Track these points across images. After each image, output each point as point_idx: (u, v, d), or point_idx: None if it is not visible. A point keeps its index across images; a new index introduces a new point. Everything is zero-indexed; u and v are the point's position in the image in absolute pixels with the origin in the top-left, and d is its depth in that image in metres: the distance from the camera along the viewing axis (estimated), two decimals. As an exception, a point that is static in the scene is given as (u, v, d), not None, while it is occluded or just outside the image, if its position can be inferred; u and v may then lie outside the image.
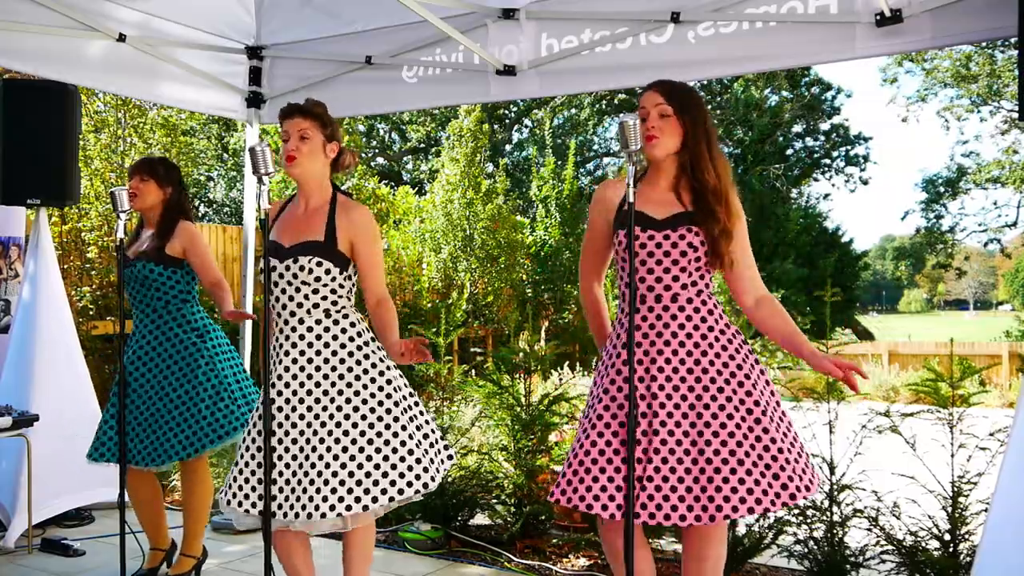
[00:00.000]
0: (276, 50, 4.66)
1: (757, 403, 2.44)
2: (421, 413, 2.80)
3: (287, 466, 2.64)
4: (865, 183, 24.88)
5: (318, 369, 2.66)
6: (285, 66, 4.67)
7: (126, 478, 3.34)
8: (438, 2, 3.82)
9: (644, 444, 2.39)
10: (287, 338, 2.70)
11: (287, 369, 2.67)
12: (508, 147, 23.72)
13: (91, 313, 7.12)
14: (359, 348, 2.71)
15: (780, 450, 2.40)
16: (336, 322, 2.71)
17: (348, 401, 2.64)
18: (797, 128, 23.26)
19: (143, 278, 3.46)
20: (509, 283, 11.63)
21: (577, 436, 2.55)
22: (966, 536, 3.40)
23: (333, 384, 2.65)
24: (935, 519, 3.46)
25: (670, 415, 2.39)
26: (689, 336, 2.45)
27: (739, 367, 2.47)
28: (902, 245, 61.37)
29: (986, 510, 3.07)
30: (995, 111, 22.05)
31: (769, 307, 2.59)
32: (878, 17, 3.15)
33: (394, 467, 2.61)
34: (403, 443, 2.64)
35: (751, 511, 2.34)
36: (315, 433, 2.61)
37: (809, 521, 3.62)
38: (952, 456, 3.47)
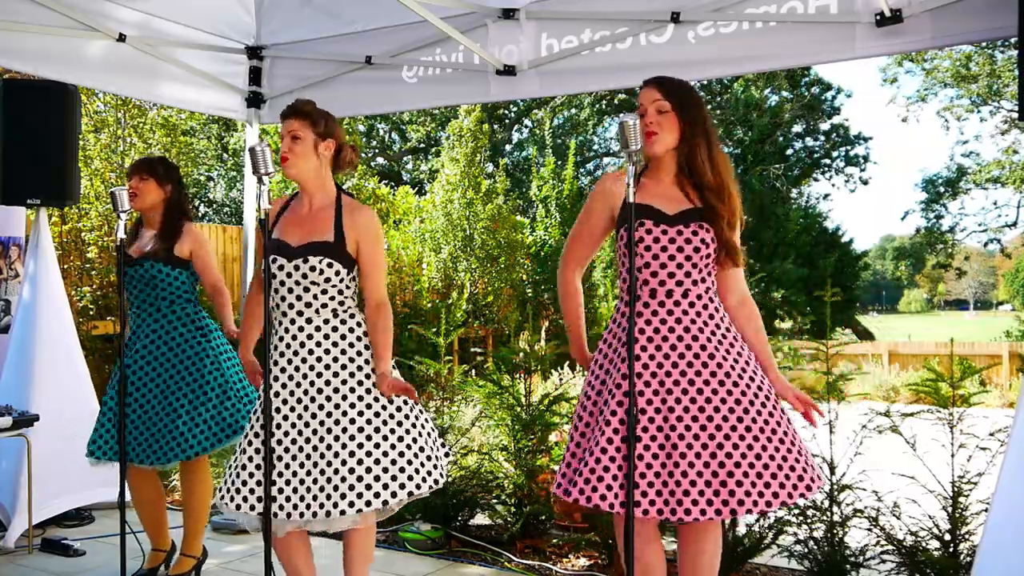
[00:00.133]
0: (276, 50, 4.66)
1: (768, 397, 2.46)
2: (423, 411, 2.82)
3: (290, 466, 2.64)
4: (865, 183, 24.88)
5: (328, 368, 2.67)
6: (285, 66, 4.67)
7: (126, 478, 3.34)
8: (438, 2, 3.82)
9: (660, 440, 2.39)
10: (294, 337, 2.70)
11: (297, 369, 2.68)
12: (508, 147, 23.73)
13: (91, 313, 7.13)
14: (367, 347, 2.73)
15: (793, 443, 2.44)
16: (344, 322, 2.72)
17: (361, 399, 2.65)
18: (797, 128, 23.26)
19: (150, 278, 3.46)
20: (509, 283, 11.63)
21: (583, 430, 2.52)
22: (966, 536, 3.40)
23: (344, 382, 2.66)
24: (935, 519, 3.46)
25: (686, 410, 2.38)
26: (701, 331, 2.44)
27: (748, 363, 2.49)
28: (902, 245, 61.39)
29: (986, 510, 3.07)
30: (995, 111, 22.05)
31: (749, 311, 2.62)
32: (878, 17, 3.15)
33: (409, 463, 2.62)
34: (415, 440, 2.67)
35: (769, 504, 2.35)
36: (329, 431, 2.61)
37: (809, 521, 3.62)
38: (952, 456, 3.47)
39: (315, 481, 2.60)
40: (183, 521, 3.62)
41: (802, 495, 2.39)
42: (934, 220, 25.95)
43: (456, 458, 4.49)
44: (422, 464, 2.65)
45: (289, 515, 2.62)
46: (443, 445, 2.86)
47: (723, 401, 2.38)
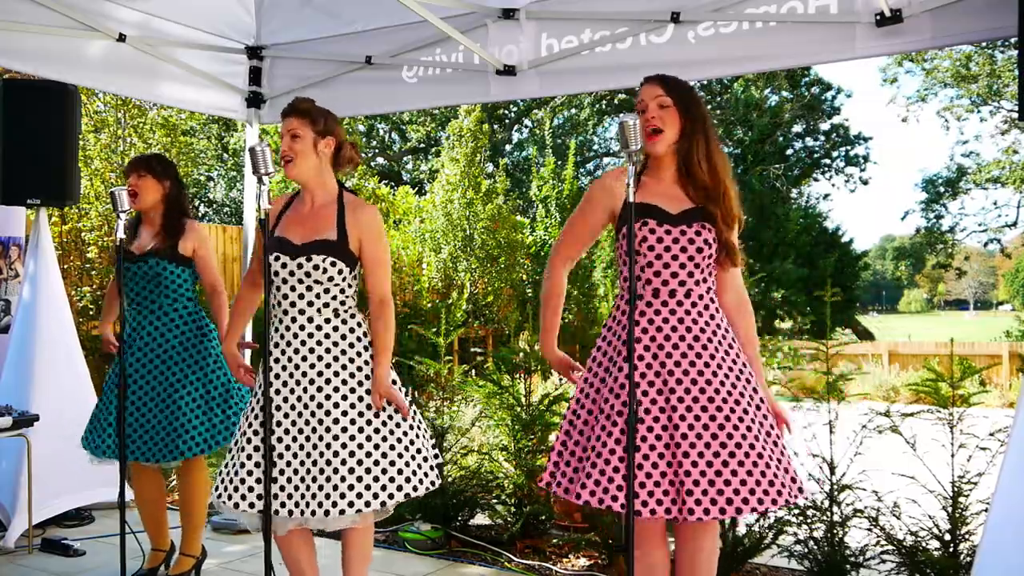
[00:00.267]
0: (276, 50, 4.66)
1: (763, 400, 2.50)
2: (417, 414, 2.82)
3: (291, 464, 2.65)
4: (865, 183, 24.88)
5: (328, 367, 2.66)
6: (285, 66, 4.67)
7: (126, 478, 3.34)
8: (438, 2, 3.82)
9: (665, 439, 2.39)
10: (295, 336, 2.69)
11: (297, 367, 2.67)
12: (508, 147, 23.73)
13: (91, 313, 7.12)
14: (366, 348, 2.73)
15: (784, 445, 2.48)
16: (344, 322, 2.72)
17: (361, 399, 2.65)
18: (797, 128, 23.26)
19: (154, 275, 3.46)
20: (509, 283, 11.63)
21: (580, 427, 2.52)
22: (966, 536, 3.40)
23: (345, 382, 2.66)
24: (935, 519, 3.46)
25: (689, 409, 2.38)
26: (702, 331, 2.45)
27: (745, 365, 2.51)
28: (902, 245, 61.38)
29: (986, 510, 3.07)
30: (995, 111, 22.05)
31: (745, 311, 2.63)
32: (878, 17, 3.15)
33: (407, 464, 2.64)
34: (412, 442, 2.69)
35: (774, 503, 2.36)
36: (328, 430, 2.61)
37: (809, 521, 3.62)
38: (952, 456, 3.46)
39: (314, 480, 2.60)
40: (181, 521, 3.62)
41: (795, 497, 2.43)
42: (934, 220, 25.95)
43: (456, 458, 4.49)
44: (419, 465, 2.67)
45: (291, 512, 2.62)
46: (435, 447, 2.86)
47: (724, 401, 2.39)
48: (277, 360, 2.70)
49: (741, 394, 2.42)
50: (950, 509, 3.42)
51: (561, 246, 2.71)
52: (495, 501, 4.36)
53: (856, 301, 23.64)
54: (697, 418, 2.37)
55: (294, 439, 2.65)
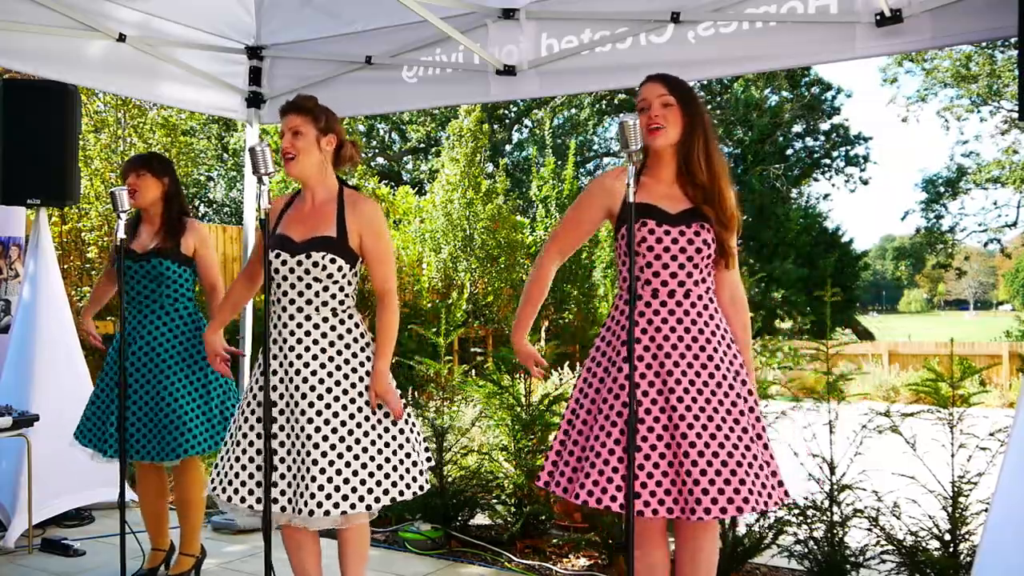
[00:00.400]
0: (276, 50, 4.66)
1: (757, 402, 2.52)
2: (411, 417, 2.80)
3: (283, 461, 2.65)
4: (865, 183, 24.86)
5: (323, 366, 2.66)
6: (285, 66, 4.67)
7: (128, 475, 3.35)
8: (438, 2, 3.82)
9: (667, 439, 2.39)
10: (292, 333, 2.69)
11: (292, 364, 2.67)
12: (508, 147, 23.73)
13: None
14: (362, 350, 2.72)
15: (772, 449, 2.51)
16: (342, 322, 2.71)
17: (353, 401, 2.65)
18: (797, 128, 23.25)
19: (157, 275, 3.46)
20: (509, 283, 11.63)
21: (579, 427, 2.53)
22: (966, 536, 3.40)
23: (338, 383, 2.65)
24: (935, 519, 3.46)
25: (688, 408, 2.38)
26: (701, 332, 2.45)
27: (741, 366, 2.52)
28: (902, 245, 61.32)
29: (986, 510, 3.07)
30: (995, 111, 22.04)
31: (739, 309, 2.63)
32: (878, 17, 3.15)
33: (395, 469, 2.63)
34: (401, 446, 2.68)
35: (766, 504, 2.39)
36: (318, 430, 2.60)
37: (809, 521, 3.62)
38: (952, 456, 3.46)
39: (301, 479, 2.59)
40: (179, 521, 3.62)
41: (782, 499, 2.46)
42: (934, 220, 25.94)
43: (456, 458, 4.49)
44: (407, 470, 2.66)
45: (284, 508, 2.63)
46: (427, 450, 2.84)
47: (720, 403, 2.40)
48: (275, 357, 2.70)
49: (738, 395, 2.44)
50: (950, 509, 3.42)
51: (553, 242, 2.72)
52: (495, 501, 4.36)
53: (856, 301, 23.66)
54: (696, 418, 2.38)
55: (287, 436, 2.66)
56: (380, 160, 23.23)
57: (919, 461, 3.43)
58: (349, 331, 2.72)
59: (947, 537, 3.41)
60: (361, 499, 2.57)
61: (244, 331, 4.91)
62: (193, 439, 3.37)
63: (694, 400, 2.39)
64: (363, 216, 2.73)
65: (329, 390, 2.64)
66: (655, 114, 2.48)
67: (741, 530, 3.71)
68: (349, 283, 2.74)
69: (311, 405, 2.62)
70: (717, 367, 2.43)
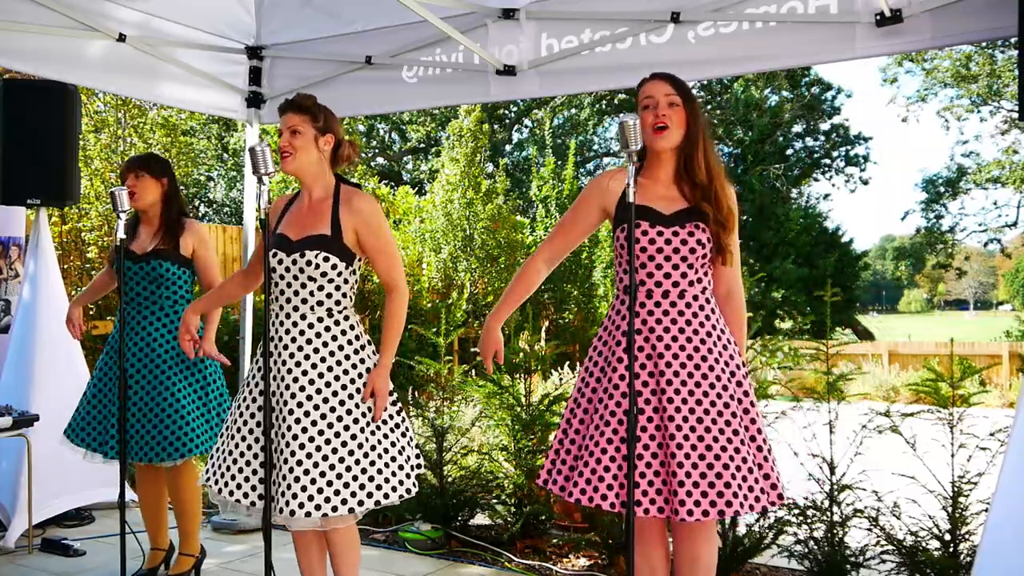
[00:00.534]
0: (276, 50, 4.66)
1: (753, 404, 2.51)
2: (403, 420, 2.78)
3: (258, 457, 2.67)
4: (865, 183, 24.85)
5: (314, 367, 2.65)
6: (285, 66, 4.67)
7: (126, 477, 3.35)
8: (438, 2, 3.82)
9: (659, 439, 2.40)
10: (287, 332, 2.68)
11: (284, 363, 2.66)
12: (508, 147, 23.73)
13: (91, 313, 7.12)
14: (355, 352, 2.70)
15: (769, 451, 2.50)
16: (337, 323, 2.70)
17: (342, 403, 2.63)
18: (797, 128, 23.24)
19: (156, 276, 3.46)
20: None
21: (577, 426, 2.55)
22: (966, 536, 3.40)
23: (328, 384, 2.64)
24: (935, 519, 3.46)
25: (678, 410, 2.39)
26: (696, 332, 2.45)
27: (738, 367, 2.52)
28: (902, 245, 61.29)
29: (986, 510, 3.07)
30: (995, 111, 22.04)
31: (735, 305, 2.63)
32: (878, 17, 3.15)
33: (380, 472, 2.61)
34: (386, 450, 2.66)
35: (752, 508, 2.39)
36: (304, 431, 2.59)
37: (809, 521, 3.62)
38: (952, 456, 3.46)
39: (284, 479, 2.59)
40: (177, 521, 3.62)
41: (772, 503, 2.46)
42: (934, 220, 25.94)
43: (456, 458, 4.49)
44: (393, 473, 2.63)
45: (254, 504, 2.65)
46: (418, 456, 2.82)
47: (712, 404, 2.40)
48: (271, 355, 2.70)
49: (731, 396, 2.44)
50: (950, 509, 3.42)
51: (547, 241, 2.73)
52: (495, 501, 4.36)
53: (856, 301, 23.65)
54: (685, 419, 2.39)
55: (275, 435, 2.66)
56: (380, 160, 23.23)
57: (919, 461, 3.43)
58: (343, 332, 2.70)
59: (947, 537, 3.41)
60: (344, 502, 2.55)
61: (244, 330, 4.91)
62: (193, 440, 3.37)
63: (684, 401, 2.40)
64: (358, 212, 2.70)
65: (319, 391, 2.63)
66: (662, 113, 2.48)
67: (741, 530, 3.71)
68: (346, 281, 2.72)
69: (299, 405, 2.61)
70: (711, 367, 2.43)
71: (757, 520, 3.70)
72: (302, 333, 2.67)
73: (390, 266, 2.75)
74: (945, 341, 13.86)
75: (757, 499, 2.40)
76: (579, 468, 2.44)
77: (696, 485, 2.35)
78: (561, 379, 7.26)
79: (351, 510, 2.57)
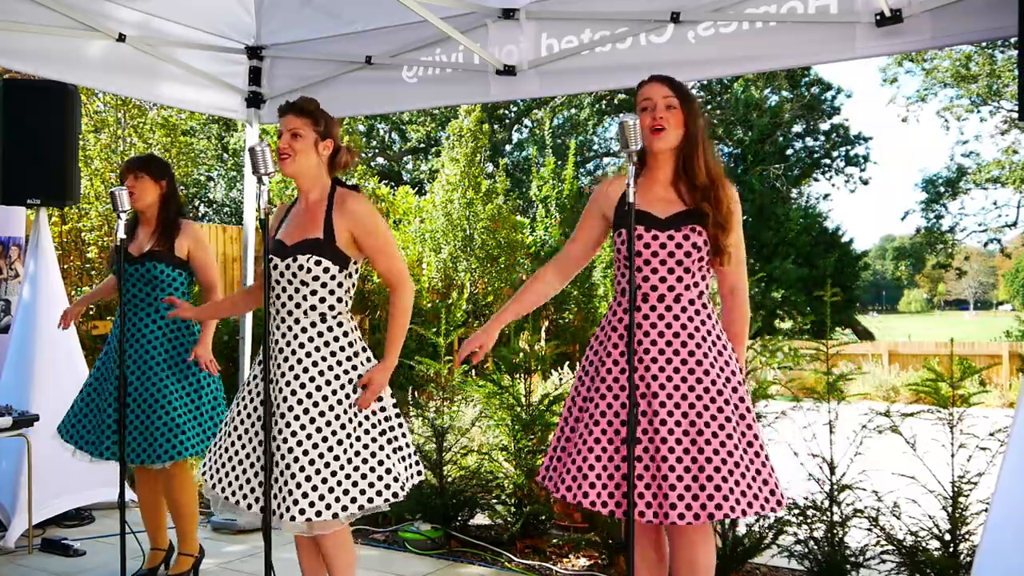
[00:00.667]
0: (276, 50, 4.66)
1: (749, 409, 2.49)
2: (399, 426, 2.76)
3: (259, 460, 2.67)
4: (865, 183, 24.85)
5: (306, 371, 2.64)
6: (285, 66, 4.67)
7: (126, 477, 3.35)
8: (438, 2, 3.82)
9: (644, 442, 2.41)
10: (283, 335, 2.69)
11: (278, 367, 2.66)
12: (508, 147, 23.73)
13: (91, 313, 7.12)
14: (348, 359, 2.68)
15: (767, 457, 2.48)
16: (330, 328, 2.68)
17: (332, 408, 2.61)
18: (797, 128, 23.24)
19: (151, 278, 3.46)
20: (509, 283, 11.63)
21: (572, 424, 2.57)
22: (966, 536, 3.40)
23: (319, 388, 2.62)
24: (935, 519, 3.46)
25: (671, 414, 2.40)
26: (691, 336, 2.45)
27: (733, 373, 2.50)
28: (902, 245, 61.31)
29: (986, 510, 3.07)
30: (995, 111, 22.04)
31: (737, 303, 2.62)
32: (878, 17, 3.15)
33: (364, 476, 2.59)
34: (374, 454, 2.63)
35: (744, 513, 2.38)
36: (293, 434, 2.59)
37: (809, 521, 3.62)
38: (952, 456, 3.46)
39: (275, 481, 2.60)
40: (174, 522, 3.62)
41: (773, 509, 2.44)
42: (934, 220, 25.94)
43: (456, 458, 4.49)
44: (379, 477, 2.61)
45: (250, 506, 2.66)
46: (416, 463, 2.79)
47: (706, 408, 2.40)
48: (270, 359, 2.70)
49: (726, 401, 2.43)
50: (950, 509, 3.42)
51: (560, 251, 2.77)
52: (495, 501, 4.36)
53: (856, 301, 23.64)
54: (678, 423, 2.40)
55: (259, 436, 2.68)
56: (380, 160, 23.23)
57: (919, 461, 3.43)
58: (336, 339, 2.68)
59: (947, 537, 3.41)
60: (328, 507, 2.54)
61: (244, 330, 4.91)
62: (183, 443, 3.36)
63: (677, 406, 2.41)
64: (351, 214, 2.68)
65: (309, 395, 2.61)
66: (659, 115, 2.48)
67: (741, 530, 3.71)
68: (340, 285, 2.69)
69: (291, 409, 2.61)
70: (706, 372, 2.42)
71: (757, 520, 3.69)
72: (296, 337, 2.67)
73: (390, 264, 2.74)
74: (945, 341, 13.86)
75: (750, 504, 2.38)
76: (567, 465, 2.48)
77: (688, 488, 2.35)
78: (561, 379, 7.26)
79: (335, 515, 2.55)
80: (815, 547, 3.60)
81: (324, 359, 2.65)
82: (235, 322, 6.36)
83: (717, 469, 2.35)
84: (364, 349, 2.75)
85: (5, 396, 4.25)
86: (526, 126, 24.57)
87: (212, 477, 2.76)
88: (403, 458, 2.72)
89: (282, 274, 2.68)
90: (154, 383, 3.41)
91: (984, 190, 24.54)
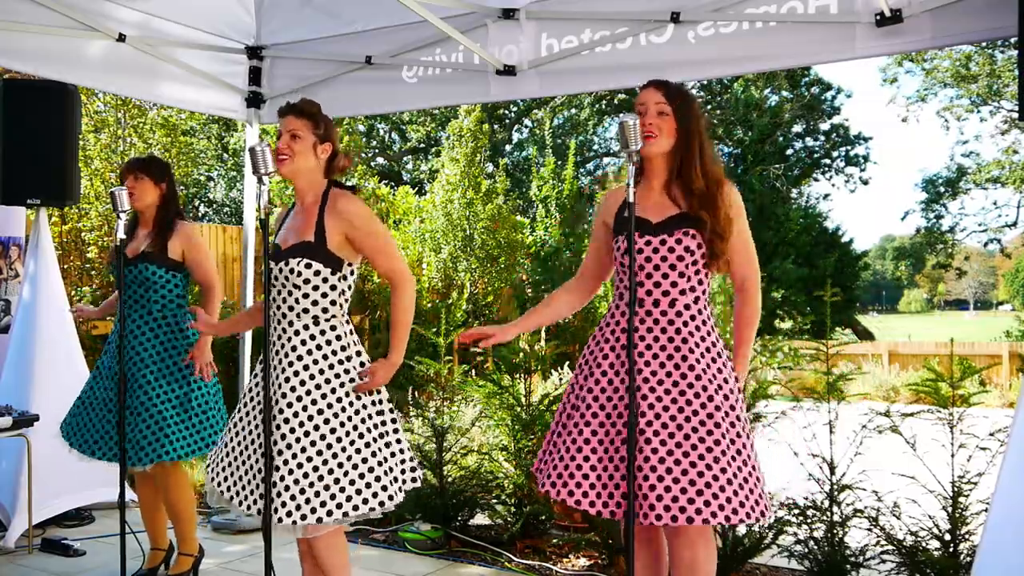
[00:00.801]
0: (276, 50, 4.66)
1: (739, 418, 2.48)
2: (395, 431, 2.75)
3: (257, 462, 2.68)
4: (865, 183, 24.85)
5: (296, 374, 2.63)
6: (285, 66, 4.67)
7: (126, 478, 3.35)
8: (438, 2, 3.82)
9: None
10: (279, 337, 2.69)
11: (274, 369, 2.66)
12: (508, 147, 23.73)
13: (91, 313, 7.12)
14: (340, 363, 2.66)
15: (753, 467, 2.47)
16: (323, 332, 2.67)
17: (320, 412, 2.60)
18: (797, 128, 23.24)
19: (143, 280, 3.45)
20: (509, 283, 11.63)
21: (564, 421, 2.61)
22: (966, 536, 3.40)
23: (308, 392, 2.61)
24: (935, 519, 3.46)
25: (658, 416, 2.41)
26: (684, 341, 2.45)
27: (725, 380, 2.49)
28: (902, 245, 61.25)
29: (986, 510, 3.07)
30: (995, 111, 22.04)
31: (744, 298, 2.62)
32: (878, 17, 3.15)
33: (352, 483, 2.58)
34: (364, 460, 2.61)
35: (728, 519, 2.36)
36: (283, 437, 2.58)
37: (809, 521, 3.62)
38: (952, 456, 3.47)
39: (258, 486, 2.61)
40: (171, 523, 3.62)
41: (757, 518, 2.43)
42: (934, 220, 25.93)
43: (456, 458, 4.49)
44: (367, 485, 2.59)
45: (241, 503, 2.67)
46: (413, 469, 2.77)
47: (695, 413, 2.40)
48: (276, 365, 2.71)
49: (716, 408, 2.41)
50: (950, 509, 3.42)
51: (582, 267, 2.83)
52: (495, 501, 4.36)
53: (856, 301, 23.63)
54: (664, 425, 2.40)
55: (253, 441, 2.69)
56: (380, 160, 23.23)
57: (919, 461, 3.43)
58: (328, 342, 2.67)
59: (947, 537, 3.41)
60: (313, 511, 2.53)
61: (244, 334, 4.91)
62: (168, 444, 3.35)
63: (665, 409, 2.41)
64: (342, 215, 2.67)
65: (299, 398, 2.61)
66: (649, 122, 2.49)
67: (741, 530, 3.71)
68: (333, 288, 2.67)
69: (280, 412, 2.61)
70: (698, 377, 2.42)
71: (756, 520, 3.69)
72: (289, 340, 2.67)
73: (389, 262, 2.72)
74: (945, 341, 13.86)
75: (735, 511, 2.36)
76: (554, 461, 2.53)
77: (667, 490, 2.35)
78: (561, 379, 7.25)
79: (319, 519, 2.54)
80: (815, 547, 3.60)
81: (316, 362, 2.64)
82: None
83: (700, 474, 2.35)
84: (359, 353, 2.73)
85: (5, 396, 4.25)
86: (526, 126, 24.58)
87: (216, 476, 2.78)
88: (391, 468, 2.69)
89: (275, 278, 2.69)
90: (141, 385, 3.40)
91: (984, 190, 24.55)
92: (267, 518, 2.52)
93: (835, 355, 3.77)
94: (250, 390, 2.78)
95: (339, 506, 2.56)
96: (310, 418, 2.59)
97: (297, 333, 2.66)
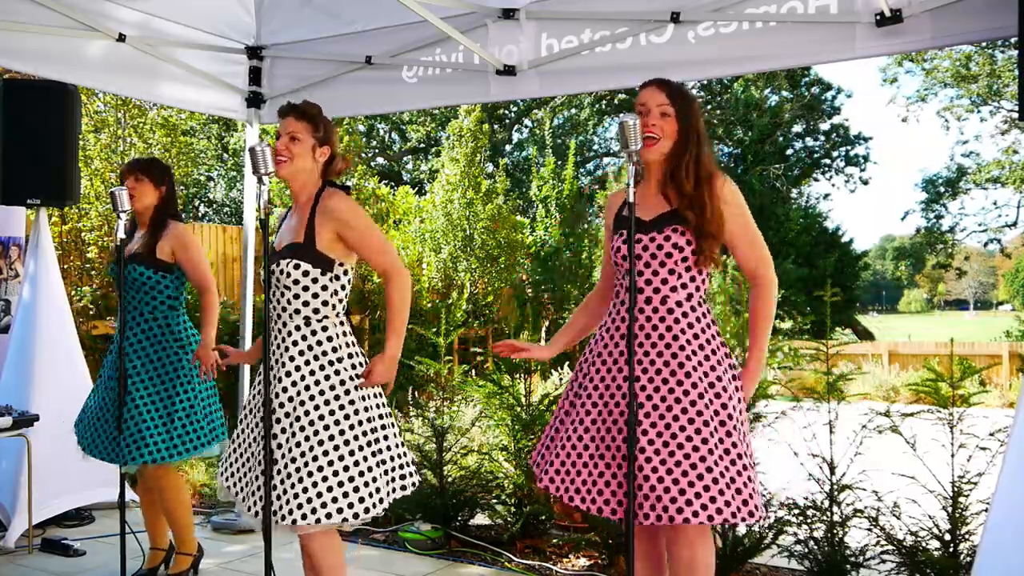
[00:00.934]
0: (276, 50, 4.66)
1: (731, 416, 2.45)
2: (388, 436, 2.72)
3: (246, 463, 2.72)
4: (865, 183, 24.87)
5: (288, 375, 2.62)
6: (285, 66, 4.67)
7: (126, 477, 3.35)
8: (438, 2, 3.82)
9: (619, 442, 2.42)
10: (274, 338, 2.70)
11: (270, 369, 2.66)
12: (508, 147, 23.73)
13: (91, 313, 7.12)
14: (330, 363, 2.64)
15: (744, 466, 2.43)
16: (314, 332, 2.66)
17: (307, 414, 2.59)
18: (797, 128, 23.25)
19: (132, 280, 3.44)
20: (509, 283, 11.63)
21: (562, 417, 2.63)
22: (966, 536, 3.40)
23: (299, 393, 2.61)
24: (935, 519, 3.46)
25: (647, 415, 2.41)
26: (675, 339, 2.45)
27: (718, 379, 2.47)
28: (902, 245, 61.24)
29: (986, 510, 3.07)
30: (995, 111, 22.04)
31: (756, 292, 2.60)
32: (878, 17, 3.15)
33: (340, 484, 2.56)
34: (356, 463, 2.59)
35: (711, 519, 2.34)
36: (274, 437, 2.58)
37: (809, 521, 3.62)
38: (952, 456, 3.47)
39: (258, 488, 2.62)
40: (168, 523, 3.61)
41: (744, 519, 2.40)
42: (934, 220, 25.94)
43: (456, 458, 4.49)
44: (355, 489, 2.57)
45: (243, 500, 2.69)
46: (411, 474, 2.75)
47: (684, 411, 2.39)
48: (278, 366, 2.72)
49: (707, 405, 2.40)
50: (950, 509, 3.42)
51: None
52: (495, 501, 4.36)
53: (856, 301, 23.65)
54: (653, 424, 2.40)
55: (255, 440, 2.70)
56: (380, 160, 23.23)
57: (919, 461, 3.43)
58: (319, 343, 2.65)
59: (947, 537, 3.41)
60: (304, 516, 2.53)
61: (244, 330, 4.91)
62: (145, 447, 3.32)
63: (655, 407, 2.41)
64: (332, 213, 2.65)
65: (291, 399, 2.61)
66: (652, 123, 2.48)
67: (741, 530, 3.71)
68: (324, 288, 2.66)
69: (272, 412, 2.60)
70: (688, 375, 2.41)
71: (756, 520, 3.69)
72: (284, 341, 2.67)
73: (381, 258, 2.69)
74: (945, 341, 13.86)
75: (719, 511, 2.34)
76: (550, 458, 2.57)
77: (652, 489, 2.35)
78: (561, 379, 7.25)
79: (318, 520, 2.53)
80: (815, 547, 3.60)
81: (307, 363, 2.63)
82: (235, 322, 6.36)
83: (685, 473, 2.35)
84: (351, 355, 2.69)
85: (5, 396, 4.25)
86: (526, 126, 24.58)
87: (225, 471, 2.81)
88: (387, 471, 2.68)
89: (268, 280, 2.68)
90: (137, 385, 3.39)
91: (984, 190, 24.55)
92: (267, 518, 2.52)
93: (835, 355, 3.77)
94: (254, 393, 2.79)
95: (334, 500, 2.55)
96: (298, 419, 2.59)
97: (290, 334, 2.66)
